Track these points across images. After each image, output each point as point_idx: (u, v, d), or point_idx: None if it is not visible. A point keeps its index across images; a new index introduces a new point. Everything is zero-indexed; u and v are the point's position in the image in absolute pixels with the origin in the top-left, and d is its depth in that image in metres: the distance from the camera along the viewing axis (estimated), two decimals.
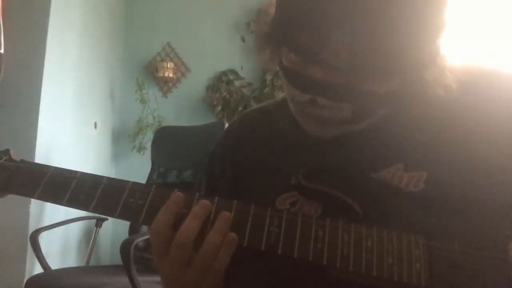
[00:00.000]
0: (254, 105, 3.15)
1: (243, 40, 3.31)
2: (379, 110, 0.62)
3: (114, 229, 3.16)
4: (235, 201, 0.61)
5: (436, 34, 0.58)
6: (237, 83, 3.36)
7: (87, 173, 0.65)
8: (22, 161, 0.67)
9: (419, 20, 0.55)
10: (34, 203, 2.23)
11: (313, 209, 0.65)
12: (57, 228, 2.30)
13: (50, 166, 0.66)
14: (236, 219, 0.59)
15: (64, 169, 0.66)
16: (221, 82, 3.35)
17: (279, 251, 0.57)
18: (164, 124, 3.17)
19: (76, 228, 2.75)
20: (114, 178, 0.64)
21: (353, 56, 0.55)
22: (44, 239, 2.14)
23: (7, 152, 0.68)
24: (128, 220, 0.64)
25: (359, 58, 0.55)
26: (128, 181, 0.64)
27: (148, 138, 3.09)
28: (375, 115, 0.62)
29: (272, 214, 0.59)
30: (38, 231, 2.10)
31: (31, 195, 0.64)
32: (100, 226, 2.63)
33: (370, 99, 0.60)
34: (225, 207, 0.60)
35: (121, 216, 0.62)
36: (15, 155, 0.68)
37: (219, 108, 3.27)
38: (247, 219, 0.59)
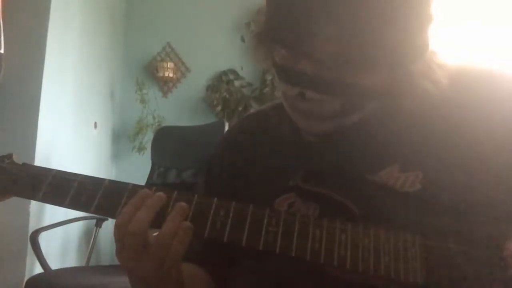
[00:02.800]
0: (254, 105, 3.16)
1: (243, 40, 3.30)
2: (368, 103, 0.63)
3: None
4: (234, 202, 0.61)
5: (421, 28, 0.59)
6: (237, 83, 3.37)
7: (89, 176, 0.66)
8: (24, 164, 0.69)
9: (404, 13, 0.56)
10: (34, 203, 2.23)
11: (311, 210, 0.65)
12: (57, 228, 2.30)
13: (52, 169, 0.67)
14: (235, 219, 0.60)
15: (66, 172, 0.67)
16: (221, 82, 3.35)
17: (277, 250, 0.58)
18: (164, 124, 3.17)
19: (76, 228, 2.75)
20: (115, 181, 0.65)
21: (338, 49, 0.56)
22: (44, 239, 2.14)
23: (9, 156, 0.69)
24: None
25: (344, 51, 0.56)
26: (128, 183, 0.65)
27: (148, 138, 3.09)
28: (364, 108, 0.63)
29: (270, 214, 0.60)
30: (38, 231, 2.10)
31: (34, 198, 0.66)
32: (100, 226, 2.63)
33: (358, 92, 0.61)
34: (223, 207, 0.61)
35: None
36: (18, 158, 0.70)
37: (219, 108, 3.27)
38: (245, 219, 0.60)
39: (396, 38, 0.56)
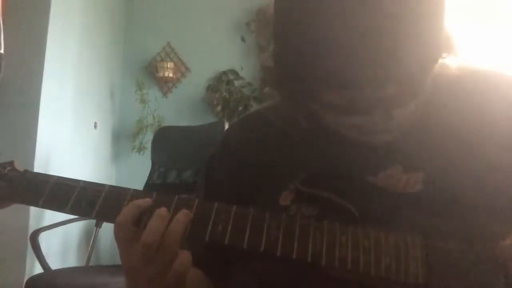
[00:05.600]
0: (254, 105, 3.16)
1: (243, 40, 3.31)
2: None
3: None
4: (234, 206, 0.61)
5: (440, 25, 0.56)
6: (237, 83, 3.36)
7: (90, 182, 0.67)
8: (25, 171, 0.69)
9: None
10: None
11: (311, 213, 0.65)
12: (57, 228, 2.30)
13: (53, 176, 0.68)
14: (235, 223, 0.60)
15: (67, 178, 0.68)
16: (221, 82, 3.35)
17: (278, 253, 0.58)
18: (164, 124, 3.17)
19: (76, 228, 2.75)
20: (116, 186, 0.66)
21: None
22: (44, 239, 2.14)
23: (11, 163, 0.70)
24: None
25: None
26: (129, 189, 0.65)
27: (148, 138, 3.08)
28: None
29: (271, 217, 0.60)
30: (38, 231, 2.10)
31: (35, 204, 0.66)
32: (100, 226, 2.63)
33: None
34: (224, 212, 0.61)
35: None
36: (19, 165, 0.71)
37: (219, 108, 3.27)
38: (246, 222, 0.60)
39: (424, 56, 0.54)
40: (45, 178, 0.67)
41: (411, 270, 0.56)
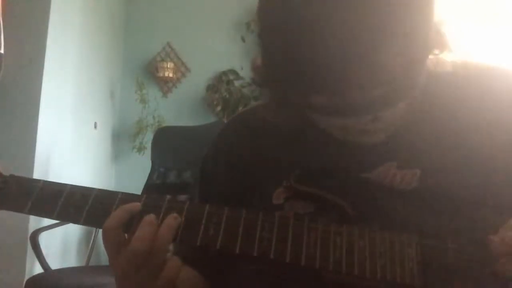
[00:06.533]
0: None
1: (243, 40, 3.30)
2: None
3: None
4: (226, 208, 0.60)
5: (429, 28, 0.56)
6: (237, 83, 3.36)
7: (77, 186, 0.65)
8: (11, 176, 0.67)
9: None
10: None
11: (305, 211, 0.65)
12: (57, 228, 2.30)
13: (40, 180, 0.66)
14: (227, 226, 0.59)
15: (54, 182, 0.66)
16: (221, 82, 3.35)
17: (272, 256, 0.57)
18: (164, 124, 3.17)
19: (76, 228, 2.74)
20: (104, 190, 0.64)
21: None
22: (44, 239, 2.14)
23: None
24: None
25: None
26: (118, 192, 0.64)
27: (148, 138, 3.08)
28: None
29: (264, 219, 0.59)
30: (38, 231, 2.10)
31: (21, 210, 0.64)
32: None
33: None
34: (216, 214, 0.60)
35: None
36: (5, 169, 0.68)
37: (219, 108, 3.27)
38: (239, 226, 0.59)
39: (413, 56, 0.54)
40: (32, 183, 0.65)
41: (407, 271, 0.55)
